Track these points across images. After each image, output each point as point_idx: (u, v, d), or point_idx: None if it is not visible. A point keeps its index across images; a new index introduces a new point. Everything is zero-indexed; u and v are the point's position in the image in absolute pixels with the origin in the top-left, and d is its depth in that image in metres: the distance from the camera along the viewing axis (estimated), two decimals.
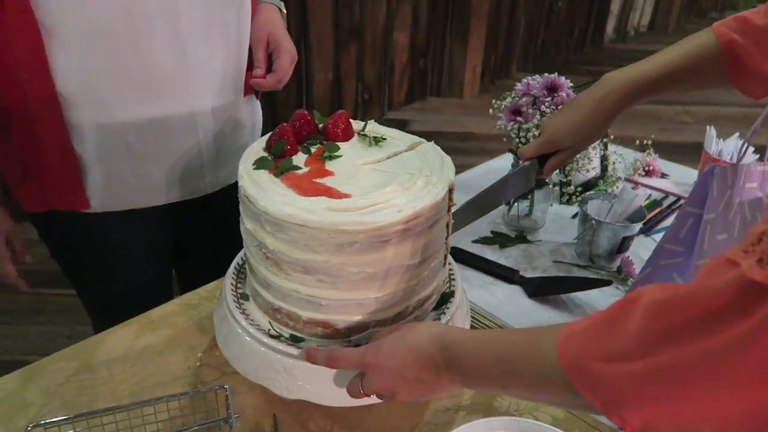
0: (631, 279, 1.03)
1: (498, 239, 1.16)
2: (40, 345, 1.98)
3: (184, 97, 0.90)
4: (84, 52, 0.80)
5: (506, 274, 1.04)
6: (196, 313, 0.91)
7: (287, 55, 1.01)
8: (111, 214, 0.96)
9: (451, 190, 0.68)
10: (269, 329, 0.70)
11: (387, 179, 0.67)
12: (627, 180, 1.39)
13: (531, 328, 0.52)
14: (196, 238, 1.14)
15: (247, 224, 0.67)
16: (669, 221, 1.24)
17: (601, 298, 0.99)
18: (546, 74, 1.04)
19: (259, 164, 0.68)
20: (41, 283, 1.05)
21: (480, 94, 4.12)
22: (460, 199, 0.76)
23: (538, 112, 1.01)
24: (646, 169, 1.41)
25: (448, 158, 0.73)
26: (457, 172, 0.75)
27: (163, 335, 0.87)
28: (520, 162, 0.88)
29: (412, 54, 3.71)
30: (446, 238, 0.72)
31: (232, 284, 0.77)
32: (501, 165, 1.44)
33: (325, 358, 0.63)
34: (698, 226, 0.82)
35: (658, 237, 1.18)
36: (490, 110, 1.16)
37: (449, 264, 0.79)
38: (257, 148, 0.72)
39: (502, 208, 1.23)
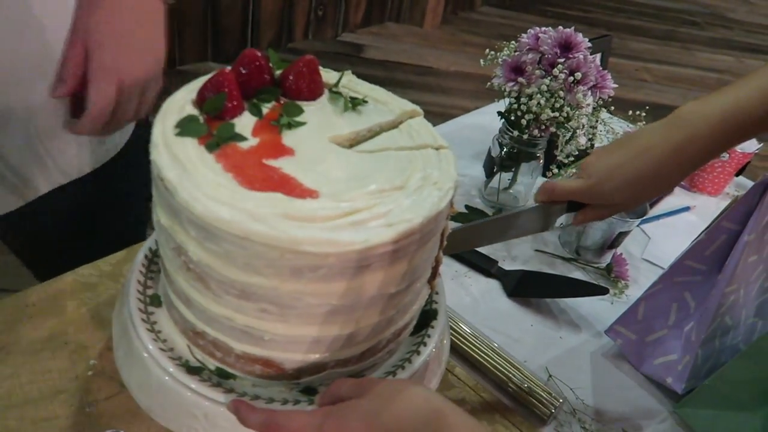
0: (621, 281, 0.89)
1: (473, 216, 0.99)
2: None
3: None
4: None
5: (483, 265, 0.88)
6: (92, 297, 0.70)
7: (105, 76, 0.56)
8: None
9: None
10: (186, 359, 0.51)
11: (369, 169, 0.47)
12: None
13: None
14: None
15: (161, 218, 0.46)
16: (660, 208, 1.11)
17: (588, 306, 0.85)
18: (560, 27, 0.84)
19: (185, 128, 0.46)
20: None
21: (441, 25, 3.84)
22: None
23: (547, 76, 0.82)
24: None
25: (442, 141, 0.53)
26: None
27: (45, 327, 0.66)
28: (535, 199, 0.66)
29: None
30: (439, 249, 0.54)
31: (139, 281, 0.56)
32: (483, 122, 1.23)
33: (263, 424, 0.44)
34: (730, 244, 0.68)
35: (650, 228, 1.05)
36: (481, 61, 0.95)
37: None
38: (182, 99, 0.49)
39: (481, 177, 1.05)
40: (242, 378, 0.50)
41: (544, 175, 1.08)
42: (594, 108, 1.13)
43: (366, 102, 0.55)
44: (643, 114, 1.26)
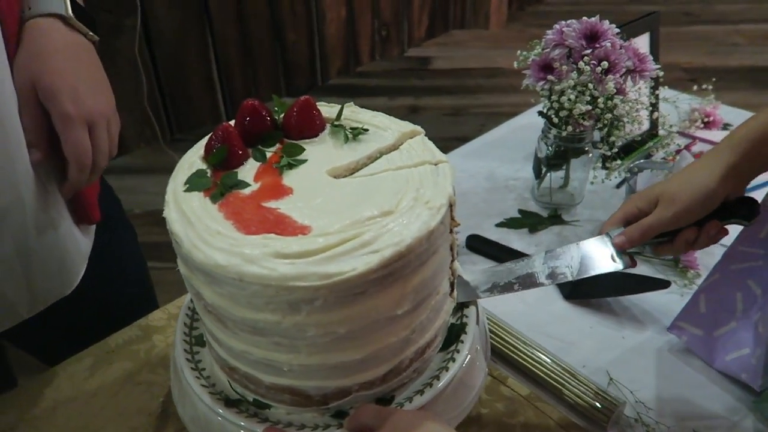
0: (691, 270, 0.84)
1: (527, 221, 0.97)
2: None
3: None
4: None
5: None
6: (161, 339, 0.77)
7: (72, 123, 0.57)
8: None
9: (451, 206, 0.50)
10: (225, 393, 0.55)
11: (362, 197, 0.49)
12: (680, 134, 1.16)
13: None
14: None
15: (180, 267, 0.50)
16: None
17: (655, 300, 0.80)
18: (584, 18, 0.82)
19: (192, 183, 0.50)
20: None
21: (508, 24, 3.77)
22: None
23: (575, 70, 0.79)
24: (705, 120, 1.17)
25: (441, 155, 0.53)
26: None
27: (121, 370, 0.73)
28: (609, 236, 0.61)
29: None
30: (451, 262, 0.54)
31: (185, 324, 0.61)
32: (535, 122, 1.21)
33: None
34: None
35: None
36: (515, 63, 0.94)
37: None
38: (193, 156, 0.54)
39: (531, 180, 1.03)
40: (276, 407, 0.53)
41: (605, 166, 1.03)
42: (650, 90, 1.08)
43: (366, 130, 0.57)
44: (710, 87, 1.18)
